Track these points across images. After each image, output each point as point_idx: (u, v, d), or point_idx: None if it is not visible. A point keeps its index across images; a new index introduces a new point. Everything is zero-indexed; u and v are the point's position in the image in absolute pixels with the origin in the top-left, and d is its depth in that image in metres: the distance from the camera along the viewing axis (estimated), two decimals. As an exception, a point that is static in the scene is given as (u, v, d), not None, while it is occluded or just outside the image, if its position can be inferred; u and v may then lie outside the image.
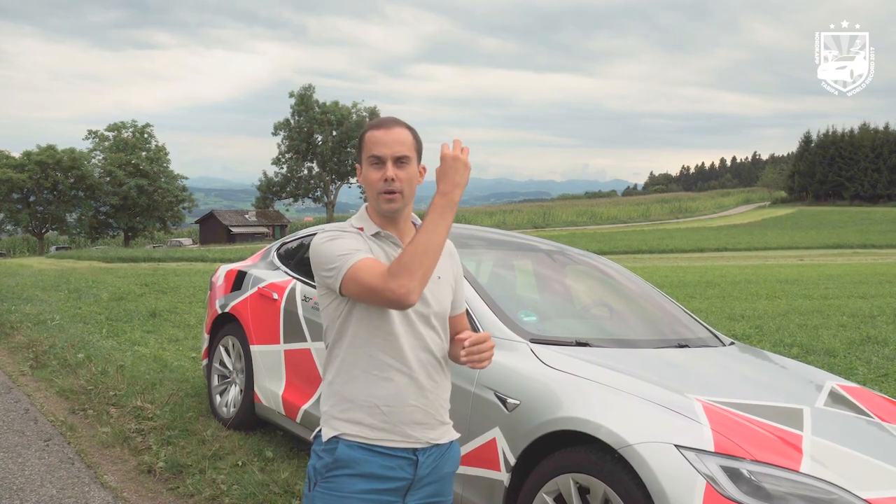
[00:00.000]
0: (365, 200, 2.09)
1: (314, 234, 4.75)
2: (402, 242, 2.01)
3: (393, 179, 1.94)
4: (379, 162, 1.95)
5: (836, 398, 3.22)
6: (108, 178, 60.27)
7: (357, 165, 2.07)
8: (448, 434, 2.06)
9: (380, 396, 1.94)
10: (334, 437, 1.95)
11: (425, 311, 1.98)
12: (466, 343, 1.94)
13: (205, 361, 5.34)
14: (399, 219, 2.02)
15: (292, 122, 70.40)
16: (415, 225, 2.07)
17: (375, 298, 1.86)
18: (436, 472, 2.01)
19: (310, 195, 72.19)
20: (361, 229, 2.01)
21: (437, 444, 2.01)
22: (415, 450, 1.96)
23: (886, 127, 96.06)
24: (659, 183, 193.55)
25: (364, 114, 69.69)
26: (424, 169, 2.05)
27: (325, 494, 1.93)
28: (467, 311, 2.54)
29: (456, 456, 2.10)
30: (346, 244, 1.93)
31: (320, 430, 2.00)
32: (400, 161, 1.96)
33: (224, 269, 5.44)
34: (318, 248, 1.96)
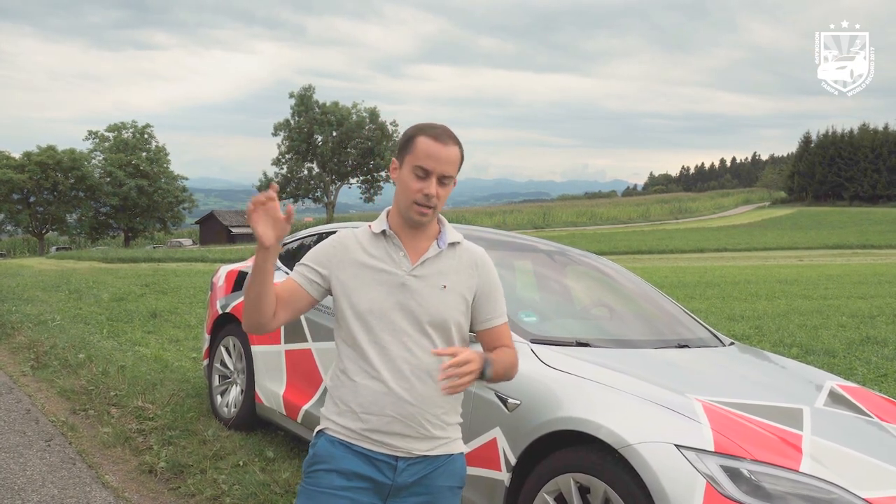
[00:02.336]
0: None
1: (315, 235, 4.77)
2: (414, 243, 1.98)
3: (433, 196, 1.92)
4: (425, 175, 1.92)
5: (835, 398, 3.23)
6: (108, 179, 60.22)
7: (394, 160, 2.01)
8: (444, 448, 1.97)
9: (357, 403, 1.92)
10: (320, 430, 1.98)
11: (417, 320, 1.93)
12: (447, 365, 1.77)
13: (206, 362, 5.34)
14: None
15: (292, 122, 70.22)
16: (440, 224, 2.04)
17: None
18: (425, 483, 1.94)
19: (310, 196, 71.96)
20: (370, 227, 2.03)
21: (427, 456, 1.94)
22: (396, 457, 1.91)
23: (886, 127, 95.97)
24: (659, 183, 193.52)
25: (364, 114, 69.44)
26: (455, 182, 2.03)
27: (306, 489, 1.94)
28: None
29: (457, 471, 2.00)
30: (314, 251, 2.03)
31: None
32: (444, 180, 1.94)
33: (225, 269, 5.45)
34: None
